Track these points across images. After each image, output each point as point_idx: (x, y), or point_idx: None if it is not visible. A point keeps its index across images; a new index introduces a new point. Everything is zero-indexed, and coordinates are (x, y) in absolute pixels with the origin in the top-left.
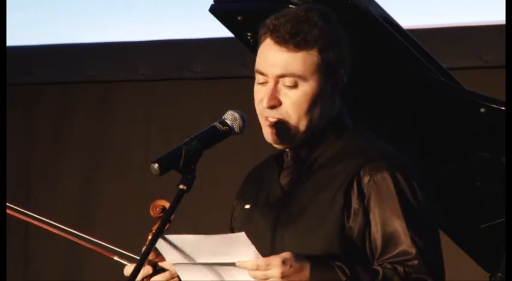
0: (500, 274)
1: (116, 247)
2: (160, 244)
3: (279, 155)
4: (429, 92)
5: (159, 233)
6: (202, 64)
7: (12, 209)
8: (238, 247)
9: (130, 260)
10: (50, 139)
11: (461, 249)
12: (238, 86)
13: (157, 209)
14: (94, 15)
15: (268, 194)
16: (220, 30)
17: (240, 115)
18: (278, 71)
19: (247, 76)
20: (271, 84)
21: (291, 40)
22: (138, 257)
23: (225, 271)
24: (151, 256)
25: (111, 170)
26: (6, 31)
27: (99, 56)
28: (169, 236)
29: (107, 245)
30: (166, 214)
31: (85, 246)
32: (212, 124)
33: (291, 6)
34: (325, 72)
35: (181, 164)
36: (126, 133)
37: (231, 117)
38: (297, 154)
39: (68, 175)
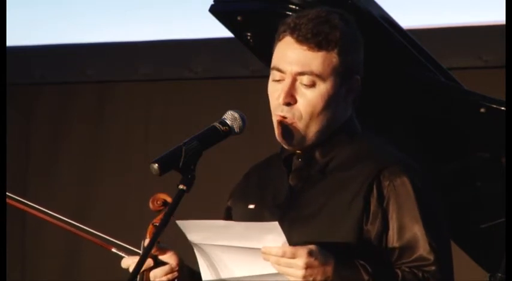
0: (500, 274)
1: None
2: (186, 226)
3: (288, 157)
4: (429, 92)
5: (160, 231)
6: (202, 64)
7: (12, 198)
8: (268, 235)
9: (128, 252)
10: (49, 139)
11: (461, 249)
12: (238, 86)
13: (158, 202)
14: (94, 15)
15: (276, 195)
16: (220, 30)
17: (240, 115)
18: (297, 68)
19: (247, 76)
20: (288, 81)
21: (312, 39)
22: (136, 250)
23: (249, 255)
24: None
25: (110, 170)
26: (6, 31)
27: (99, 56)
28: (198, 221)
29: (106, 236)
30: (167, 214)
31: (84, 237)
32: (212, 124)
33: (290, 6)
34: (342, 75)
35: (181, 164)
36: (125, 133)
37: (231, 117)
38: (309, 156)
39: (67, 174)
